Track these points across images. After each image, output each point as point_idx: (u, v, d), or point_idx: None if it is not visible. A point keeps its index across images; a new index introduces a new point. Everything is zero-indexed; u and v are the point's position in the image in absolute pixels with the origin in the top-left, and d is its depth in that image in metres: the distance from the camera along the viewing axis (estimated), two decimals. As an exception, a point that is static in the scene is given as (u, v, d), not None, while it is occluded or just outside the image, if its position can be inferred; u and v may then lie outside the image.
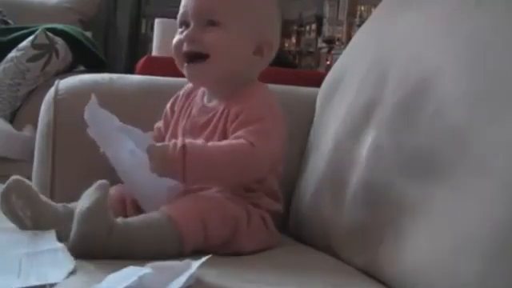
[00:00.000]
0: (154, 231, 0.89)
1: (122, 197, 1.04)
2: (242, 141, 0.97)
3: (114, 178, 1.08)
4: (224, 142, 0.98)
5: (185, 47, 1.03)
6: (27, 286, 0.72)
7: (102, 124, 1.01)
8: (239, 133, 0.98)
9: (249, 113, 1.00)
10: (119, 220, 0.89)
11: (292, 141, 1.18)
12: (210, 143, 0.98)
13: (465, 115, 0.81)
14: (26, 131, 2.05)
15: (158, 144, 0.96)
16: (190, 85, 1.12)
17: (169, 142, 0.96)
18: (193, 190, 0.98)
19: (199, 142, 0.97)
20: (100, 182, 0.87)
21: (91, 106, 1.01)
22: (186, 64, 1.04)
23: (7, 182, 0.96)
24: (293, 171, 1.20)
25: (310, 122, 1.25)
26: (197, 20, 1.03)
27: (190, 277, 0.73)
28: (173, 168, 0.93)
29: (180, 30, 1.06)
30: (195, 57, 1.03)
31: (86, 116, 1.01)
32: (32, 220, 0.95)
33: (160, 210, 0.92)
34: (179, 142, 0.94)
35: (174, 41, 1.06)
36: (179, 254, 0.86)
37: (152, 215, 0.92)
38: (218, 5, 1.03)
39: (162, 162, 0.93)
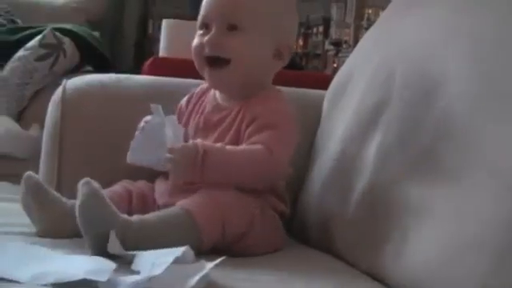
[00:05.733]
0: (172, 228, 0.89)
1: (127, 192, 1.04)
2: (259, 146, 0.98)
3: (120, 176, 1.08)
4: (242, 147, 0.99)
5: (206, 51, 1.04)
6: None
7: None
8: (256, 138, 0.99)
9: (266, 118, 1.01)
10: (135, 217, 0.89)
11: (298, 143, 1.18)
12: (229, 147, 0.99)
13: (471, 116, 0.81)
14: (33, 130, 2.06)
15: (179, 146, 0.98)
16: (205, 84, 1.13)
17: (190, 145, 0.97)
18: (210, 186, 0.98)
19: (218, 145, 0.99)
20: (84, 180, 0.87)
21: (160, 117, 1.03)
22: (207, 69, 1.05)
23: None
24: (299, 173, 1.20)
25: (317, 124, 1.25)
26: (219, 24, 1.04)
27: (203, 278, 0.73)
28: (192, 173, 0.95)
29: (200, 32, 1.06)
30: (216, 61, 1.04)
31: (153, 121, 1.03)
32: (40, 214, 0.96)
33: (178, 205, 0.93)
34: (200, 146, 0.96)
35: (195, 43, 1.06)
36: (198, 251, 0.85)
37: (170, 211, 0.92)
38: (241, 10, 1.04)
39: (183, 167, 0.95)
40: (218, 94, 1.10)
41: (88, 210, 0.86)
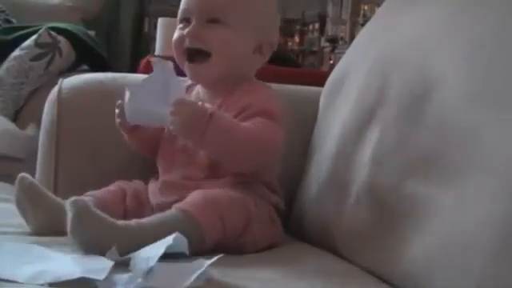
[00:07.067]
0: (172, 230, 0.86)
1: (122, 191, 1.04)
2: (259, 125, 0.98)
3: (117, 174, 1.08)
4: (246, 123, 0.99)
5: (187, 43, 1.04)
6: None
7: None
8: (249, 122, 0.99)
9: (259, 105, 1.01)
10: (133, 222, 0.88)
11: (295, 140, 1.18)
12: (234, 119, 0.99)
13: (468, 115, 0.81)
14: (29, 130, 2.05)
15: (188, 101, 0.97)
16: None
17: (198, 104, 0.96)
18: (203, 187, 0.98)
19: (226, 114, 0.98)
20: (69, 200, 0.85)
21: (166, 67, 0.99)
22: (187, 63, 1.05)
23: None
24: (296, 171, 1.20)
25: (314, 121, 1.25)
26: (199, 17, 1.03)
27: (200, 275, 0.73)
28: (195, 131, 0.94)
29: (180, 26, 1.06)
30: (196, 54, 1.04)
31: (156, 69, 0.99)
32: (34, 215, 0.96)
33: (174, 208, 0.91)
34: (208, 108, 0.95)
35: (175, 37, 1.06)
36: (200, 251, 0.85)
37: (167, 214, 0.91)
38: (222, 3, 1.04)
39: (188, 121, 0.94)
40: (200, 88, 1.10)
41: (80, 231, 0.84)
